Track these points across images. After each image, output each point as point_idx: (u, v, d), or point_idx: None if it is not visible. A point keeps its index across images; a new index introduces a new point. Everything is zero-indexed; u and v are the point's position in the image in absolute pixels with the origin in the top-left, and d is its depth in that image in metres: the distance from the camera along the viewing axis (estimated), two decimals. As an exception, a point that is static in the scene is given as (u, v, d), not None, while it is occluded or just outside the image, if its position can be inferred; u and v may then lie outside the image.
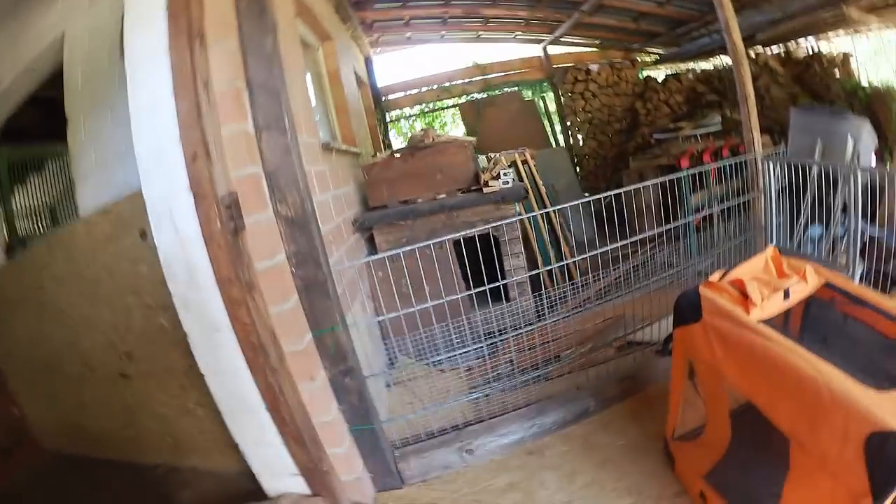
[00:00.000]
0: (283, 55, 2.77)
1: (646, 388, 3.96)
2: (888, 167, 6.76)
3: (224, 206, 2.33)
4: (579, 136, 11.86)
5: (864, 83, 8.32)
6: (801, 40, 9.24)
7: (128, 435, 4.06)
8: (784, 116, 5.84)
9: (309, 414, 2.83)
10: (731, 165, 4.96)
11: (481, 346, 4.18)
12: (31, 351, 4.30)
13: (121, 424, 4.05)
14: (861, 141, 5.01)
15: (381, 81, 11.21)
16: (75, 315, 3.91)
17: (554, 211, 6.01)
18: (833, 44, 8.89)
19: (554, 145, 11.56)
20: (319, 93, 6.07)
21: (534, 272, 4.75)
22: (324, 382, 3.00)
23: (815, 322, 2.61)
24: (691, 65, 11.63)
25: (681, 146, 8.10)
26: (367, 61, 10.52)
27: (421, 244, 3.62)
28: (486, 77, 12.02)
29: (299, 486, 2.93)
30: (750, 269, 2.62)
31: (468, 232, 3.89)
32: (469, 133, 10.56)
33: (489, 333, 4.57)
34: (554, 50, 12.08)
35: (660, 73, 12.02)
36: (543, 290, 5.11)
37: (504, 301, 5.17)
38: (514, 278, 5.24)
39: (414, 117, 12.45)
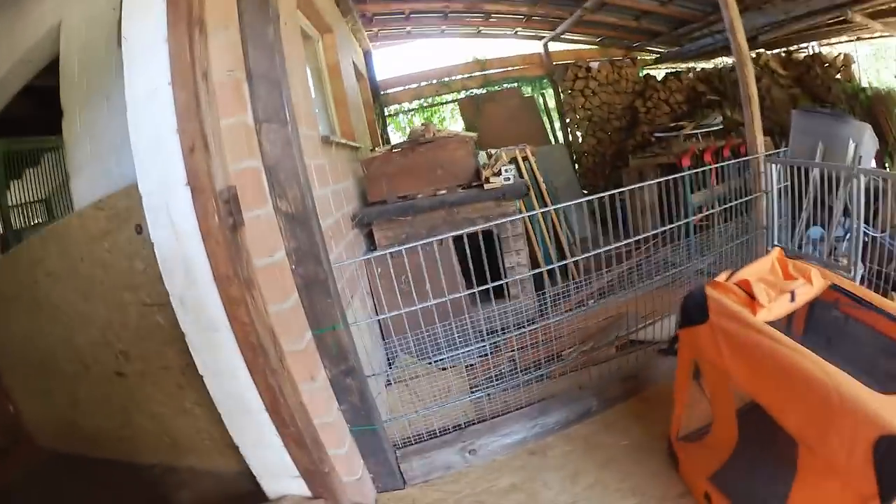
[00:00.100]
0: (284, 46, 2.71)
1: (648, 388, 3.95)
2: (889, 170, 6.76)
3: (222, 200, 2.26)
4: (578, 134, 11.82)
5: (865, 86, 8.35)
6: (804, 44, 9.36)
7: (124, 434, 4.02)
8: (785, 118, 5.84)
9: (309, 415, 2.77)
10: (731, 165, 4.99)
11: (483, 345, 4.13)
12: (25, 347, 4.27)
13: (117, 424, 4.01)
14: (862, 144, 5.01)
15: (380, 75, 11.16)
16: (70, 311, 3.85)
17: (555, 209, 5.95)
18: (834, 47, 8.99)
19: (553, 142, 11.48)
20: (319, 86, 6.01)
21: (535, 271, 4.67)
22: (324, 382, 2.94)
23: (818, 324, 2.62)
24: (692, 64, 11.65)
25: (682, 145, 8.06)
26: (367, 55, 10.46)
27: (423, 241, 3.58)
28: (485, 73, 11.96)
29: (300, 488, 2.88)
30: (756, 271, 2.63)
31: (471, 229, 3.82)
32: (468, 128, 10.48)
33: (491, 331, 4.55)
34: (554, 47, 12.01)
35: (660, 72, 11.98)
36: (545, 288, 5.07)
37: (505, 298, 5.10)
38: (515, 276, 5.20)
39: (413, 112, 12.37)
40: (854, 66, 8.76)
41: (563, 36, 11.41)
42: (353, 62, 8.02)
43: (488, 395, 3.90)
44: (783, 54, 9.39)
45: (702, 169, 5.15)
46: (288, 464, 2.78)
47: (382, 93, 11.31)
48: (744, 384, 2.34)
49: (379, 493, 3.37)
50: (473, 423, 3.74)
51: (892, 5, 7.17)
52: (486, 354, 4.24)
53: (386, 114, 11.65)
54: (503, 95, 11.62)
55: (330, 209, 3.97)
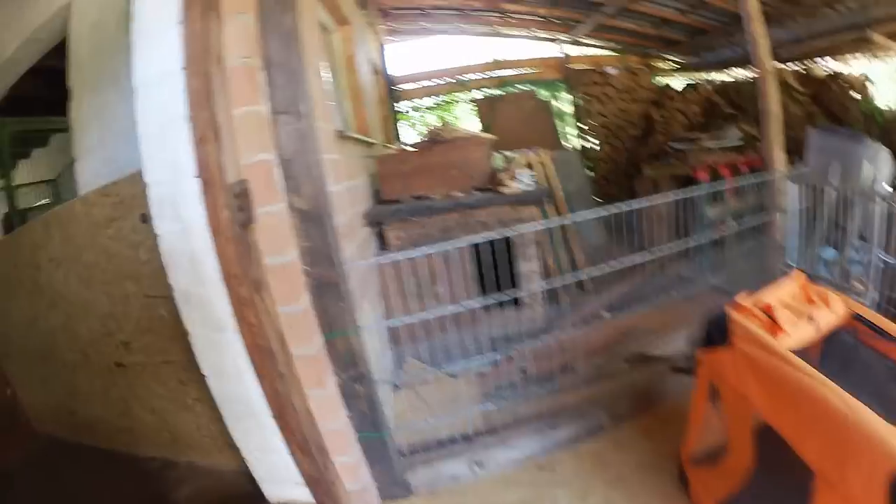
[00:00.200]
0: (302, 35, 2.59)
1: (659, 406, 3.88)
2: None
3: (233, 194, 2.15)
4: (592, 140, 11.70)
5: (883, 108, 8.27)
6: (820, 60, 9.23)
7: (123, 425, 3.99)
8: (800, 135, 5.75)
9: (316, 421, 2.68)
10: (747, 181, 4.93)
11: (493, 355, 4.14)
12: (25, 333, 4.25)
13: (116, 414, 3.98)
14: (878, 167, 4.97)
15: (394, 71, 11.12)
16: (71, 298, 3.81)
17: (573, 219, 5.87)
18: (851, 66, 8.88)
19: (566, 147, 11.37)
20: (334, 78, 5.89)
21: (552, 286, 4.59)
22: (333, 389, 2.84)
23: (834, 350, 2.54)
24: (708, 75, 11.54)
25: (699, 157, 7.94)
26: (381, 50, 10.37)
27: (442, 245, 3.49)
28: (502, 73, 11.88)
29: (303, 495, 2.79)
30: (778, 294, 2.60)
31: (492, 235, 3.70)
32: (484, 129, 10.40)
33: (502, 338, 4.49)
34: (572, 51, 11.93)
35: (676, 82, 11.85)
36: (557, 297, 5.00)
37: (515, 304, 4.99)
38: (528, 284, 5.07)
39: (426, 109, 12.28)
40: (871, 87, 8.67)
41: (580, 40, 11.35)
42: (369, 56, 7.91)
43: (499, 407, 3.83)
44: (801, 70, 9.33)
45: (718, 186, 5.06)
46: (292, 470, 2.69)
47: (396, 88, 11.27)
48: (763, 411, 2.29)
49: (383, 502, 3.28)
50: (482, 435, 3.67)
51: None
52: (497, 363, 4.20)
53: (399, 110, 11.61)
54: (518, 97, 11.51)
55: (343, 207, 3.82)
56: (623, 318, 4.86)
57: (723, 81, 10.87)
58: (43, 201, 5.97)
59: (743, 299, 2.56)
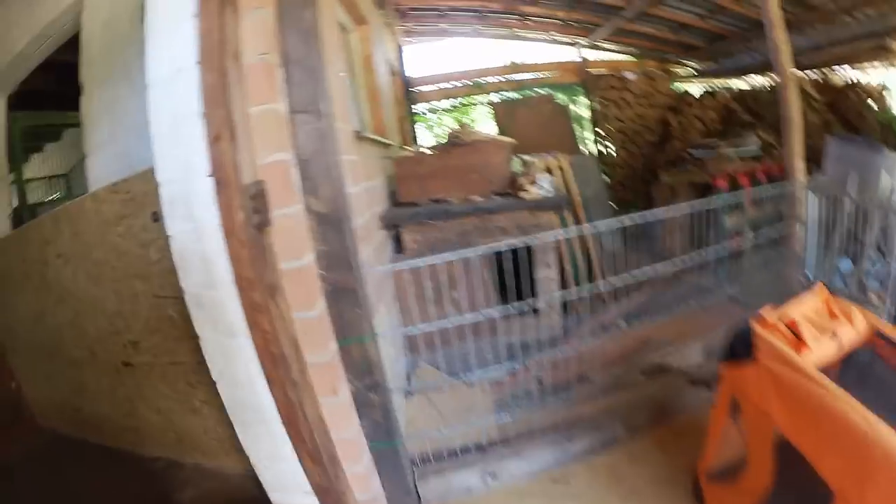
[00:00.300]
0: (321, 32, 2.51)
1: (674, 418, 3.83)
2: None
3: (249, 196, 2.06)
4: (609, 145, 11.65)
5: (899, 117, 8.28)
6: (838, 68, 9.14)
7: (128, 424, 3.98)
8: (817, 143, 5.71)
9: (328, 430, 2.60)
10: (766, 190, 4.94)
11: (508, 363, 4.09)
12: (32, 328, 4.25)
13: (121, 413, 3.97)
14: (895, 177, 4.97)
15: (411, 72, 11.10)
16: (79, 295, 3.80)
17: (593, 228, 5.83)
18: (869, 74, 8.80)
19: (584, 152, 11.30)
20: (351, 78, 5.84)
21: (569, 297, 4.58)
22: (347, 397, 2.76)
23: (854, 367, 2.49)
24: (726, 82, 11.44)
25: (718, 165, 7.86)
26: (399, 50, 10.37)
27: (463, 253, 3.45)
28: (519, 77, 11.84)
29: (312, 504, 2.71)
30: (801, 309, 2.58)
31: (515, 243, 3.65)
32: (501, 133, 10.35)
33: (522, 346, 4.41)
34: (590, 55, 11.89)
35: (694, 88, 11.79)
36: (574, 306, 4.95)
37: (533, 312, 4.92)
38: (546, 290, 5.04)
39: (443, 112, 12.24)
40: (889, 96, 8.62)
41: (598, 44, 11.32)
42: (386, 56, 7.91)
43: (514, 418, 3.77)
44: (818, 78, 9.26)
45: (738, 197, 5.04)
46: (301, 479, 2.60)
47: (413, 90, 11.23)
48: (784, 427, 2.28)
49: (393, 513, 3.24)
50: (496, 445, 3.61)
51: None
52: (513, 371, 4.18)
53: (415, 112, 11.59)
54: (536, 101, 11.45)
55: (360, 209, 3.79)
56: (639, 328, 4.84)
57: (740, 88, 10.80)
58: (54, 196, 5.95)
59: (767, 314, 2.53)
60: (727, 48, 9.97)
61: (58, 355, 4.13)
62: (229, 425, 2.64)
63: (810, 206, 4.69)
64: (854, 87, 8.70)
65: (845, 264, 4.86)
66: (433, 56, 16.32)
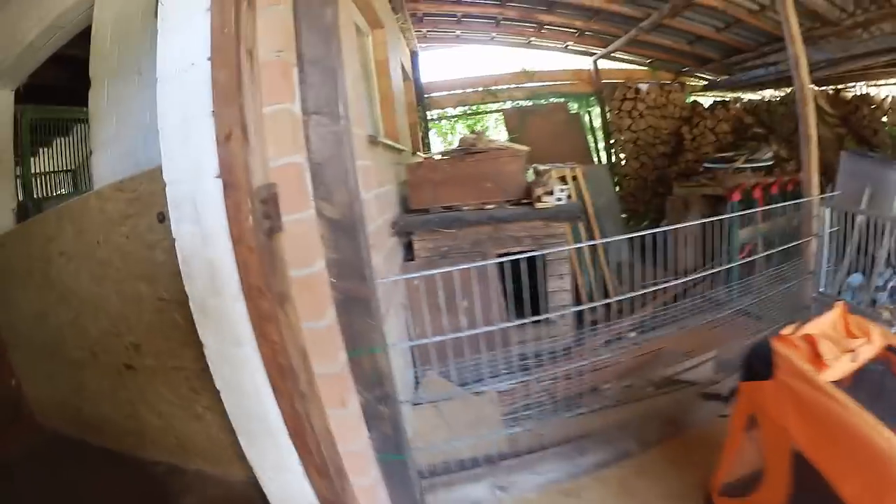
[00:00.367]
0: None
1: (685, 432, 3.82)
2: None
3: (259, 199, 1.96)
4: (622, 156, 11.67)
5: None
6: (851, 83, 9.34)
7: (129, 427, 3.94)
8: (830, 158, 5.67)
9: (335, 442, 2.52)
10: (779, 203, 5.12)
11: (518, 374, 4.12)
12: (33, 325, 4.22)
13: (122, 415, 3.93)
14: None
15: (425, 78, 11.08)
16: (81, 295, 3.74)
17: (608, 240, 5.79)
18: (881, 89, 8.98)
19: (596, 162, 11.26)
20: (365, 82, 5.78)
21: (582, 307, 4.65)
22: (355, 409, 2.68)
23: (866, 382, 2.48)
24: (739, 94, 11.56)
25: (733, 178, 7.81)
26: (413, 56, 10.37)
27: (480, 264, 3.38)
28: (532, 85, 11.84)
29: (317, 517, 2.65)
30: (821, 326, 2.59)
31: (531, 253, 3.60)
32: (512, 140, 10.32)
33: (533, 356, 4.36)
34: (603, 65, 11.90)
35: (707, 100, 11.85)
36: (584, 317, 5.09)
37: (543, 322, 4.86)
38: (558, 302, 5.03)
39: (456, 118, 12.21)
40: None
41: (613, 54, 11.33)
42: (401, 62, 7.89)
43: (526, 430, 3.77)
44: (830, 92, 9.35)
45: (754, 211, 5.03)
46: (307, 492, 2.52)
47: (426, 96, 11.24)
48: (803, 445, 2.28)
49: (400, 527, 3.20)
50: (506, 458, 3.59)
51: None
52: (522, 382, 4.17)
53: (428, 118, 11.58)
54: (549, 110, 11.52)
55: (372, 215, 3.77)
56: (650, 341, 4.88)
57: (752, 101, 10.90)
58: (62, 192, 5.91)
59: (787, 331, 2.54)
60: (741, 61, 10.00)
61: (59, 355, 4.09)
62: (232, 432, 2.58)
63: (828, 222, 4.69)
64: (866, 100, 8.83)
65: (856, 278, 4.95)
66: (446, 62, 16.27)
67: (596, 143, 12.10)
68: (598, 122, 12.15)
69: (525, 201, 5.15)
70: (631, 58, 11.79)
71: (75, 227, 3.62)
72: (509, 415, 4.06)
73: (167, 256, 2.89)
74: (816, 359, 2.34)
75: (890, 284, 4.79)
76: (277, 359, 2.10)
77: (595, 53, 11.48)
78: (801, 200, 4.83)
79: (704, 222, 4.70)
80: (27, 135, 4.98)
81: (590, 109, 12.19)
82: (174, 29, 2.07)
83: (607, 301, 4.22)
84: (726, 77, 11.06)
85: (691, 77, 11.99)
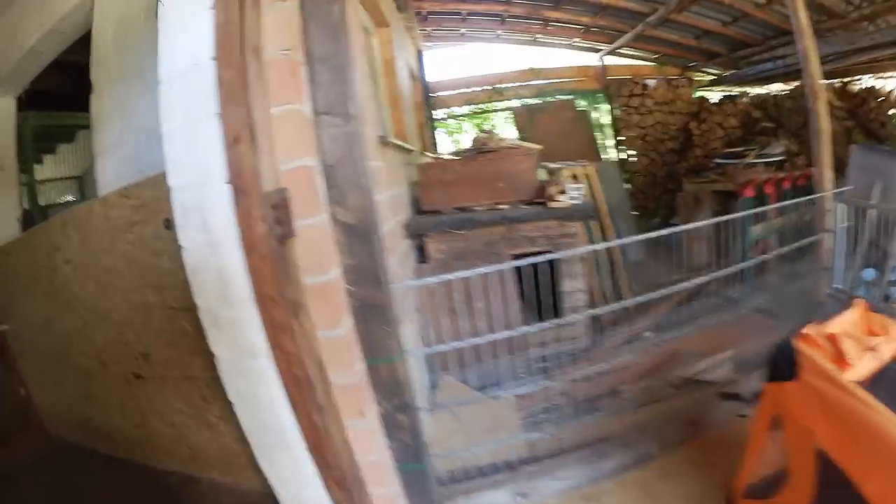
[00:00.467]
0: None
1: (705, 434, 3.78)
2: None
3: (270, 205, 1.89)
4: (630, 152, 11.64)
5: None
6: (859, 76, 9.29)
7: (139, 436, 3.88)
8: (838, 151, 5.62)
9: (354, 453, 2.48)
10: (791, 199, 5.08)
11: (536, 377, 4.06)
12: (40, 334, 4.19)
13: (132, 424, 3.88)
14: None
15: (431, 77, 11.06)
16: (88, 304, 3.69)
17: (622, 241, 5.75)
18: (887, 82, 8.94)
19: (606, 160, 11.21)
20: (372, 81, 5.72)
21: (597, 311, 4.49)
22: (374, 419, 2.63)
23: (888, 380, 2.44)
24: (746, 89, 11.54)
25: (744, 173, 7.73)
26: (419, 55, 10.30)
27: (496, 267, 3.37)
28: (540, 82, 11.82)
29: (335, 529, 2.58)
30: (842, 325, 2.57)
31: (549, 256, 3.53)
32: (522, 139, 10.27)
33: (550, 358, 4.43)
34: (610, 61, 11.92)
35: (714, 95, 11.85)
36: (600, 319, 5.07)
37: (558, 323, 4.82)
38: (573, 303, 4.97)
39: (463, 117, 12.17)
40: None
41: (619, 50, 11.31)
42: (407, 61, 7.87)
43: (546, 435, 3.72)
44: (838, 85, 9.35)
45: (766, 208, 4.99)
46: None
47: (433, 95, 11.22)
48: (828, 446, 2.25)
49: (420, 537, 3.16)
50: (526, 464, 3.56)
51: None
52: (541, 385, 4.02)
53: (435, 117, 11.58)
54: (557, 107, 11.51)
55: (385, 218, 3.70)
56: (667, 341, 4.81)
57: (760, 95, 10.92)
58: (67, 199, 5.87)
59: (809, 330, 2.51)
60: (749, 55, 10.02)
61: (65, 362, 4.05)
62: (246, 442, 2.54)
63: (842, 217, 4.73)
64: (873, 93, 8.86)
65: (869, 273, 4.90)
66: (452, 61, 16.23)
67: (604, 139, 12.07)
68: (605, 119, 12.14)
69: (538, 201, 5.09)
70: (638, 54, 11.78)
71: (80, 235, 3.57)
72: (528, 419, 4.03)
73: (175, 264, 2.81)
74: (839, 358, 2.34)
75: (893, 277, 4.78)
76: (293, 370, 2.05)
77: (602, 50, 11.45)
78: (814, 196, 4.79)
79: (718, 221, 4.63)
80: (31, 142, 4.95)
81: (597, 106, 12.17)
82: (176, 28, 2.01)
83: (625, 303, 4.15)
84: (733, 71, 11.05)
85: (698, 72, 11.98)
